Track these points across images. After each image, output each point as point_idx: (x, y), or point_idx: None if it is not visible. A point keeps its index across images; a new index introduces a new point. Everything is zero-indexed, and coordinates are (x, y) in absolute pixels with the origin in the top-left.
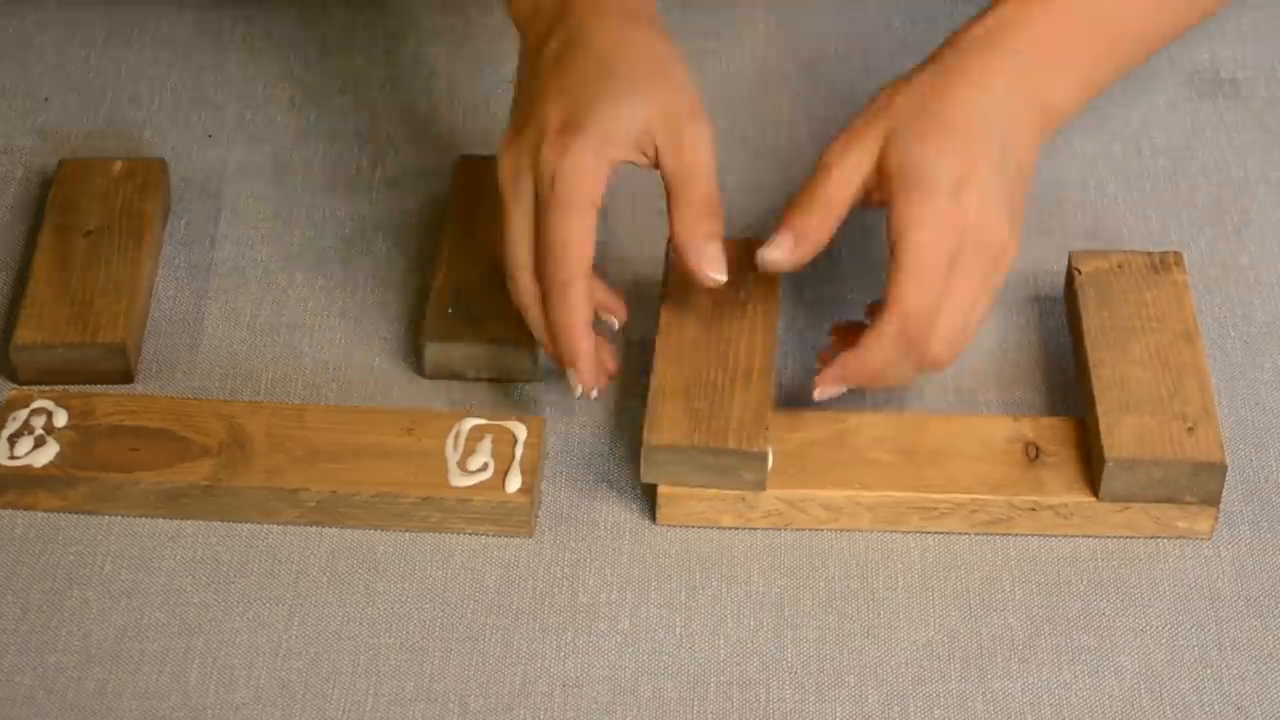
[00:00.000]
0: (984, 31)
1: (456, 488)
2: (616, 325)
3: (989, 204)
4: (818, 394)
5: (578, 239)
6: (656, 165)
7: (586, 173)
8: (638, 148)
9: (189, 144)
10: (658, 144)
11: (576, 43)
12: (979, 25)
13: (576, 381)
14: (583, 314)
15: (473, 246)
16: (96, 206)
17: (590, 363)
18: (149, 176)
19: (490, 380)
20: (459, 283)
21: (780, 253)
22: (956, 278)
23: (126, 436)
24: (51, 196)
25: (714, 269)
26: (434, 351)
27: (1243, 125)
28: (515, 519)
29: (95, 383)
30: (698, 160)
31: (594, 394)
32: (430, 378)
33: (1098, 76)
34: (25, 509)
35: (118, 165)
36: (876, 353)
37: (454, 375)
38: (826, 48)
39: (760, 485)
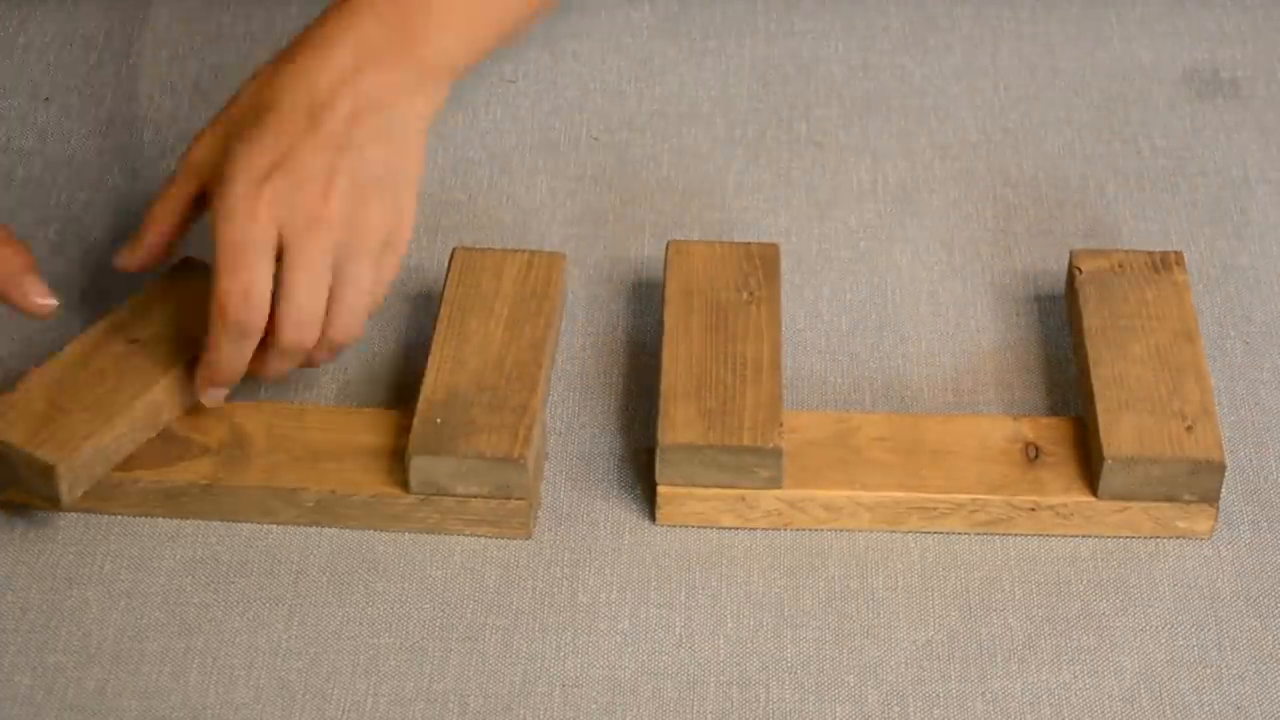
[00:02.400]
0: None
1: (456, 489)
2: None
3: (305, 182)
4: (207, 400)
5: None
6: None
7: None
8: None
9: (189, 144)
10: None
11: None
12: None
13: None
14: None
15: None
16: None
17: None
18: None
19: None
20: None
21: (123, 259)
22: (288, 258)
23: None
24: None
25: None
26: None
27: (1243, 125)
28: (514, 521)
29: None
30: None
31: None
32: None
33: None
34: (24, 507)
35: None
36: (216, 347)
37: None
38: (826, 48)
39: (777, 482)
